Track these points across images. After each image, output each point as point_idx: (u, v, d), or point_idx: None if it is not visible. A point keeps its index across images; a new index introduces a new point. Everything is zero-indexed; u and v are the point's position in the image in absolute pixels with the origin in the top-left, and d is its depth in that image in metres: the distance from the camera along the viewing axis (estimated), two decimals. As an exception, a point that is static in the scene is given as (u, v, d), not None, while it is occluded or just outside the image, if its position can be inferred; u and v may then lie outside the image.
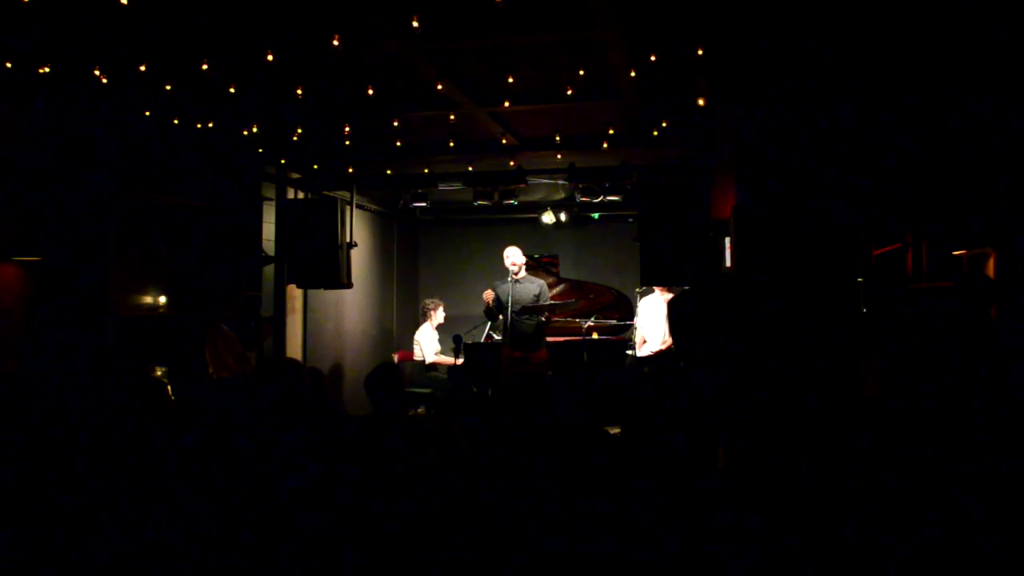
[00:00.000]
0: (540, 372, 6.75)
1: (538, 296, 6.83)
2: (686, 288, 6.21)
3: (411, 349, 8.53)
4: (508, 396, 2.80)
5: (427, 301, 8.53)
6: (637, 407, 2.37)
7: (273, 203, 7.30)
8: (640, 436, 2.35)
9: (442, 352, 8.31)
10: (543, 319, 6.92)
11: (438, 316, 8.40)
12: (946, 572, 2.07)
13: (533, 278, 7.03)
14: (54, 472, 2.70)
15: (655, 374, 5.30)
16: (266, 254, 7.15)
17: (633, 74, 4.90)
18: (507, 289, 6.76)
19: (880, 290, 5.84)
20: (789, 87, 5.12)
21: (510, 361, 6.79)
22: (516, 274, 6.82)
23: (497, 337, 7.79)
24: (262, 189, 7.21)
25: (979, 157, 4.53)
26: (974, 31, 4.01)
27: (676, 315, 5.36)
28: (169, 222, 6.44)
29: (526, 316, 6.76)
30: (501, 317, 6.87)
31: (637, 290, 8.05)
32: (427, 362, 8.21)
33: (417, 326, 8.66)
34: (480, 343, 7.86)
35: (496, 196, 7.36)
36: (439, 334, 8.41)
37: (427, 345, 8.28)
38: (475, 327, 8.08)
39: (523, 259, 6.95)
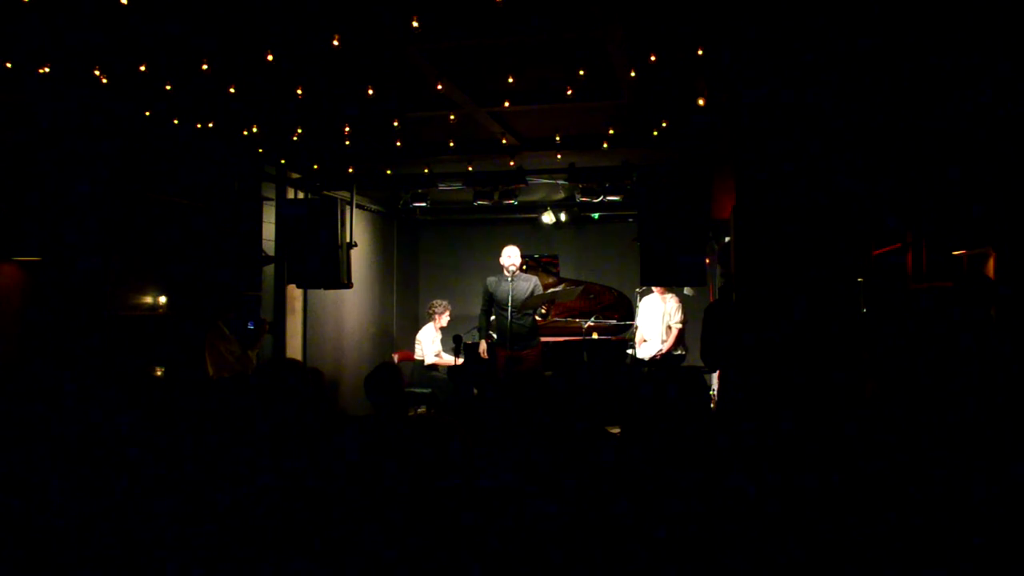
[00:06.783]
0: (538, 371, 6.79)
1: (531, 293, 6.90)
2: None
3: (411, 349, 8.53)
4: (507, 396, 2.81)
5: (436, 302, 8.51)
6: (637, 407, 2.37)
7: (273, 203, 7.30)
8: (640, 436, 2.35)
9: (443, 353, 8.32)
10: (543, 311, 6.94)
11: (444, 319, 8.40)
12: (946, 572, 2.07)
13: (527, 276, 7.08)
14: (54, 472, 2.69)
15: (655, 374, 5.30)
16: (266, 254, 7.15)
17: (633, 74, 4.90)
18: (507, 288, 6.79)
19: (880, 290, 5.84)
20: (789, 87, 5.12)
21: (505, 361, 6.82)
22: (513, 273, 6.85)
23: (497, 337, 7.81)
24: (262, 189, 7.21)
25: (979, 156, 4.53)
26: (974, 31, 4.01)
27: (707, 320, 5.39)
28: (169, 222, 6.44)
29: (523, 312, 6.80)
30: (501, 315, 6.88)
31: (637, 290, 8.05)
32: (426, 363, 8.22)
33: (419, 326, 8.66)
34: (480, 343, 7.87)
35: (496, 196, 7.37)
36: (440, 335, 8.41)
37: (428, 346, 8.27)
38: (475, 327, 8.09)
39: (520, 259, 6.99)
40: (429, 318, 8.43)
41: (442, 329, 8.40)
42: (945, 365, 3.97)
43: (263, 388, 3.07)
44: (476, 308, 7.38)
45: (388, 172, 7.66)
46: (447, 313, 8.43)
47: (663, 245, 6.52)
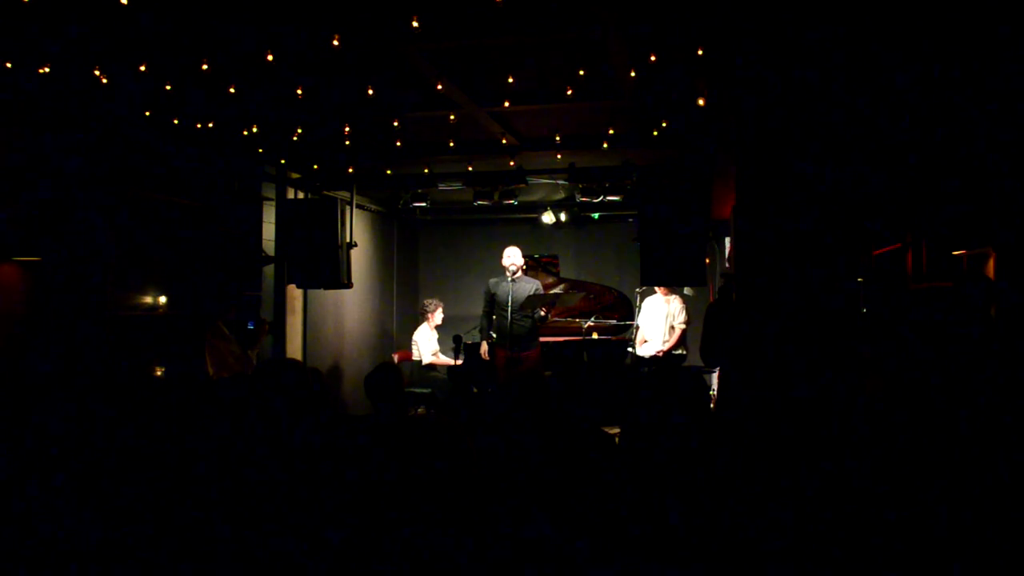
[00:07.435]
0: (538, 371, 6.80)
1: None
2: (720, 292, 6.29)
3: (411, 349, 8.54)
4: (508, 396, 2.81)
5: (426, 301, 8.53)
6: (637, 407, 2.37)
7: (273, 203, 7.30)
8: (640, 436, 2.35)
9: (441, 352, 8.32)
10: (543, 312, 6.96)
11: (437, 317, 8.41)
12: (947, 572, 2.07)
13: (530, 278, 7.09)
14: (54, 473, 2.70)
15: (655, 374, 5.30)
16: (266, 254, 7.15)
17: (633, 74, 4.90)
18: (507, 288, 6.79)
19: (880, 290, 5.84)
20: (789, 87, 5.12)
21: (505, 361, 6.83)
22: (515, 274, 6.86)
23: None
24: (262, 189, 7.21)
25: (979, 156, 4.52)
26: (974, 31, 4.01)
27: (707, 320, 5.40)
28: (169, 222, 6.44)
29: (523, 314, 6.80)
30: (501, 316, 6.88)
31: (637, 290, 8.05)
32: (424, 363, 8.22)
33: (416, 326, 8.67)
34: (480, 343, 7.88)
35: (496, 196, 7.38)
36: (438, 334, 8.42)
37: (424, 345, 8.28)
38: (474, 327, 8.09)
39: (522, 260, 7.00)
40: (423, 318, 8.45)
41: (437, 327, 8.41)
42: (945, 365, 3.97)
43: (263, 388, 3.07)
44: (476, 308, 7.38)
45: (388, 172, 7.66)
46: (439, 311, 8.44)
47: (663, 245, 6.52)
